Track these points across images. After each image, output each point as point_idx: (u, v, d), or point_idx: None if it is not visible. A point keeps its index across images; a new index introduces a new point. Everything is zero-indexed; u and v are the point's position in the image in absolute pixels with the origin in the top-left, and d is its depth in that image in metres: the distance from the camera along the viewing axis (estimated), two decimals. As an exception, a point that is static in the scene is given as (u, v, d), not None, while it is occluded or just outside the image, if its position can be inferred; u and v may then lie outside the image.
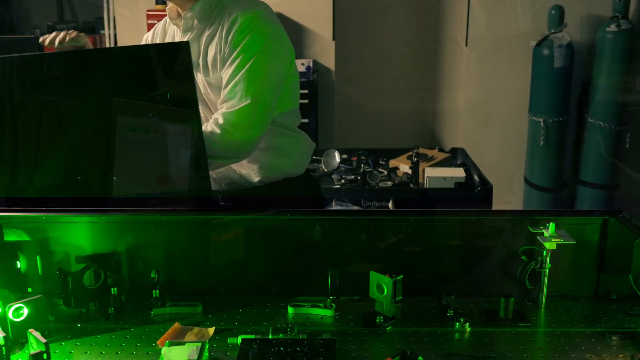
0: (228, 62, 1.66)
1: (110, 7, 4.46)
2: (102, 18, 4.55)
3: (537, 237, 1.36)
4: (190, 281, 1.46)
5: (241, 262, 1.46)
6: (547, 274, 1.37)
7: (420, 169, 3.08)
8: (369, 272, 1.34)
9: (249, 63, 1.63)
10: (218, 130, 1.62)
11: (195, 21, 1.74)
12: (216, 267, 1.46)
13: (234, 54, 1.65)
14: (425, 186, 3.00)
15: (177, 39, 1.81)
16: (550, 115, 3.49)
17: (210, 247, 1.46)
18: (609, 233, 1.41)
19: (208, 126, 1.65)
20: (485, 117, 3.83)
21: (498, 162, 3.71)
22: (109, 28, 4.49)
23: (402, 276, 1.31)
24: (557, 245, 1.34)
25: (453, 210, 1.42)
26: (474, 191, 2.87)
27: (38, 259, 1.42)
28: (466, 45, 3.76)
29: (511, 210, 1.45)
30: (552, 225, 1.36)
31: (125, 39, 4.46)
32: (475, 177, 3.01)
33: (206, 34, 1.72)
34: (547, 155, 3.56)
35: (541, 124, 3.50)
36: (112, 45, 4.48)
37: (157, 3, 4.16)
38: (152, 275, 1.36)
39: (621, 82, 3.41)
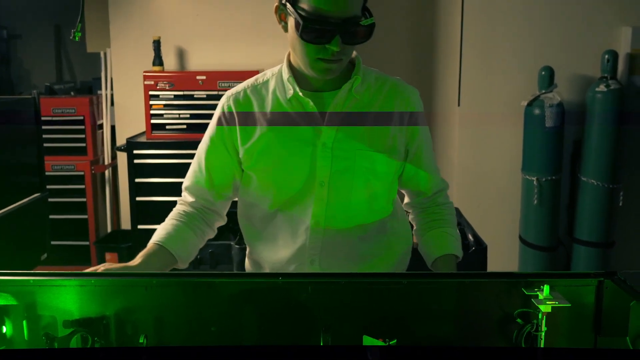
0: (415, 141, 1.64)
1: (108, 68, 4.53)
2: (100, 79, 4.62)
3: (532, 299, 1.35)
4: (181, 346, 1.43)
5: (233, 326, 1.43)
6: (543, 337, 1.35)
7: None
8: (362, 337, 1.31)
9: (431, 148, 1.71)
10: (450, 208, 1.76)
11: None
12: (207, 331, 1.43)
13: (420, 132, 1.65)
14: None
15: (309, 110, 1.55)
16: (543, 174, 3.51)
17: (201, 311, 1.43)
18: (605, 295, 1.39)
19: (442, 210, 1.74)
20: (478, 176, 3.85)
21: (492, 221, 3.71)
22: (106, 89, 4.56)
23: (395, 340, 1.29)
24: (553, 307, 1.32)
25: (447, 273, 1.41)
26: (469, 251, 2.85)
27: (24, 323, 1.39)
28: (459, 104, 3.81)
29: (505, 273, 1.44)
30: (546, 288, 1.34)
31: (122, 100, 4.52)
32: (470, 237, 3.00)
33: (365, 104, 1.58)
34: (542, 213, 3.56)
35: (534, 182, 3.51)
36: (109, 104, 4.54)
37: (154, 64, 4.23)
38: (141, 340, 1.34)
39: (612, 141, 3.44)
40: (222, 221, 1.70)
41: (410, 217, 1.80)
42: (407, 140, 1.62)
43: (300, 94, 1.54)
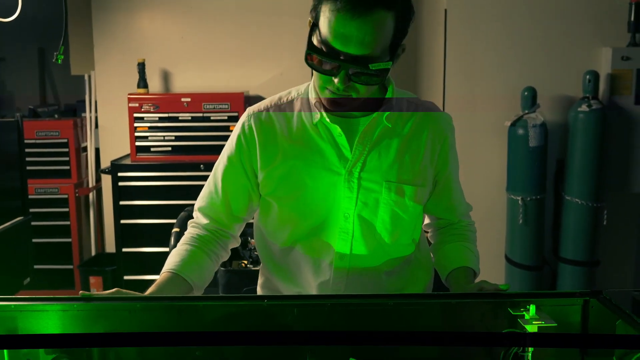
0: (445, 172, 1.56)
1: (92, 91, 4.52)
2: (84, 101, 4.60)
3: (518, 319, 1.34)
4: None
5: (218, 349, 1.41)
6: (530, 357, 1.34)
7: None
8: (349, 359, 1.30)
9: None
10: (473, 227, 1.72)
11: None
12: (192, 355, 1.41)
13: (450, 162, 1.57)
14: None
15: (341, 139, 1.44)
16: (528, 194, 3.53)
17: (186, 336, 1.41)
18: (591, 314, 1.39)
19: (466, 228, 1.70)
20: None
21: (478, 241, 3.71)
22: (90, 111, 4.54)
23: (382, 363, 1.28)
24: (539, 327, 1.32)
25: (433, 294, 1.40)
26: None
27: (5, 350, 1.37)
28: (443, 125, 3.84)
29: (491, 293, 1.43)
30: (532, 307, 1.34)
31: (107, 122, 4.50)
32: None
33: (395, 135, 1.47)
34: (527, 233, 3.57)
35: (519, 202, 3.53)
36: (93, 127, 4.53)
37: (138, 87, 4.22)
38: (124, 366, 1.32)
39: (595, 160, 3.47)
40: (237, 243, 1.62)
41: (429, 234, 1.73)
42: (437, 170, 1.54)
43: (327, 119, 1.43)
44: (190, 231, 1.58)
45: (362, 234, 1.49)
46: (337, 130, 1.43)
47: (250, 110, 1.52)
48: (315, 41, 1.33)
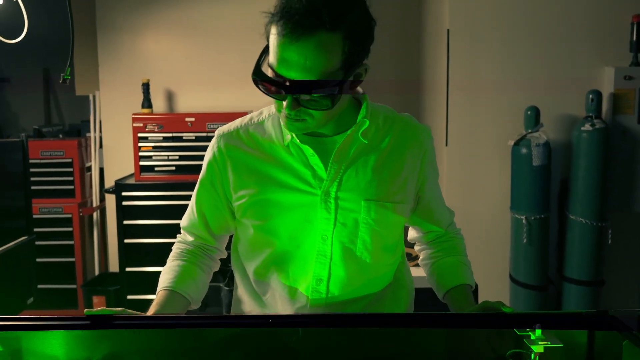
0: (426, 186, 1.52)
1: (97, 111, 4.54)
2: (89, 121, 4.63)
3: (524, 339, 1.34)
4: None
5: (222, 370, 1.41)
6: (536, 378, 1.34)
7: (405, 268, 3.05)
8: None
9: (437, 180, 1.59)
10: (460, 235, 1.65)
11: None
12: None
13: (430, 175, 1.53)
14: (410, 286, 2.96)
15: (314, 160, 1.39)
16: (532, 213, 3.52)
17: (190, 355, 1.41)
18: (597, 335, 1.38)
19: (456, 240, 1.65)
20: (467, 216, 3.86)
21: (482, 260, 3.71)
22: (94, 131, 4.57)
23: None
24: (545, 348, 1.31)
25: (437, 314, 1.39)
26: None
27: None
28: (446, 144, 3.84)
29: (497, 313, 1.43)
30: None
31: (111, 142, 4.52)
32: (460, 276, 2.98)
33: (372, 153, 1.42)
34: (531, 252, 3.56)
35: (523, 221, 3.52)
36: (98, 147, 4.55)
37: (143, 107, 4.24)
38: (129, 387, 1.31)
39: (599, 179, 3.47)
40: (224, 255, 1.60)
41: (417, 248, 1.69)
42: (419, 186, 1.50)
43: (298, 139, 1.37)
44: (179, 246, 1.58)
45: (342, 256, 1.43)
46: (309, 150, 1.38)
47: (220, 131, 1.48)
48: (264, 64, 1.28)
